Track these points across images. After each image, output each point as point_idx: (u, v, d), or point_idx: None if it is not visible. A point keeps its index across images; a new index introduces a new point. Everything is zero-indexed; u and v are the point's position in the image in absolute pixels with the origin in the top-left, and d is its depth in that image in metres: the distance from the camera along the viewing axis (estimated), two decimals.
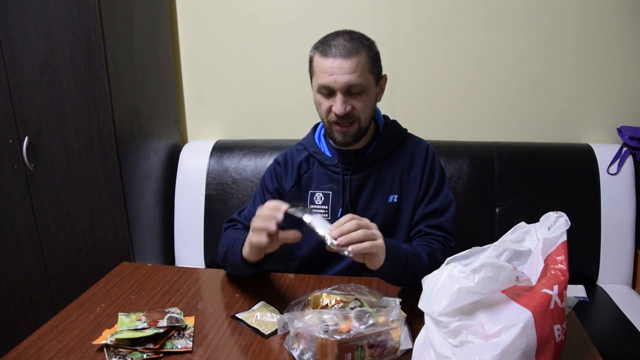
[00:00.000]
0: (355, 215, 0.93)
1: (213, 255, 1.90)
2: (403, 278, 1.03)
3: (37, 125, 1.65)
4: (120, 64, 1.66)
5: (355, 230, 0.91)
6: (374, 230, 0.94)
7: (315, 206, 1.25)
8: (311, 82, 1.17)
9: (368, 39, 1.13)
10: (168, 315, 1.02)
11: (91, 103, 1.61)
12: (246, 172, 1.88)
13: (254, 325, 1.00)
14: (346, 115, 1.12)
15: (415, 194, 1.21)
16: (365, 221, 0.94)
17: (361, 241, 0.90)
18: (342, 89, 1.09)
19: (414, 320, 0.98)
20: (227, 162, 1.91)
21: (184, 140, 2.15)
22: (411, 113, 1.94)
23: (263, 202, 1.28)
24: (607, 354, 0.94)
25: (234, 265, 1.14)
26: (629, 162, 1.75)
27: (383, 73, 1.19)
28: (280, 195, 1.28)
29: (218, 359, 0.91)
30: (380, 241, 0.94)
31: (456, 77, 1.91)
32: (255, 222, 0.99)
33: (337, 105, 1.10)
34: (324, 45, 1.10)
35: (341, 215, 1.21)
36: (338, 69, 1.08)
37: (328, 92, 1.12)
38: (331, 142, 1.22)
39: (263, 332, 0.98)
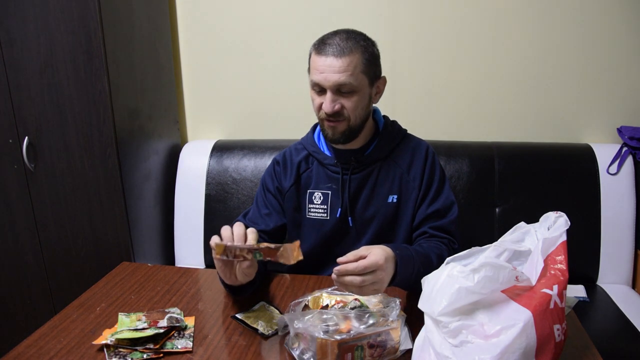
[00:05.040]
0: (357, 265, 0.89)
1: None
2: (417, 282, 1.03)
3: (37, 125, 1.65)
4: (120, 64, 1.66)
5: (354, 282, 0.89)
6: (377, 276, 0.90)
7: (314, 205, 1.25)
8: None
9: (367, 40, 1.13)
10: (168, 315, 1.02)
11: (91, 103, 1.61)
12: (246, 172, 1.88)
13: (254, 326, 1.00)
14: (335, 114, 1.12)
15: (416, 194, 1.21)
16: (372, 278, 0.89)
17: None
18: (332, 88, 1.10)
19: (414, 320, 0.98)
20: (227, 162, 1.91)
21: (184, 140, 2.15)
22: (411, 113, 1.95)
23: (266, 202, 1.29)
24: (607, 354, 0.94)
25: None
26: (629, 162, 1.75)
27: (382, 75, 1.18)
28: (280, 193, 1.29)
29: (218, 359, 0.91)
30: (380, 289, 0.93)
31: (456, 77, 1.91)
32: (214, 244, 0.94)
33: (326, 103, 1.11)
34: (320, 43, 1.11)
35: (340, 215, 1.22)
36: (329, 67, 1.08)
37: (319, 89, 1.12)
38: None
39: (263, 332, 0.98)
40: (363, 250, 0.92)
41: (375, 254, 0.91)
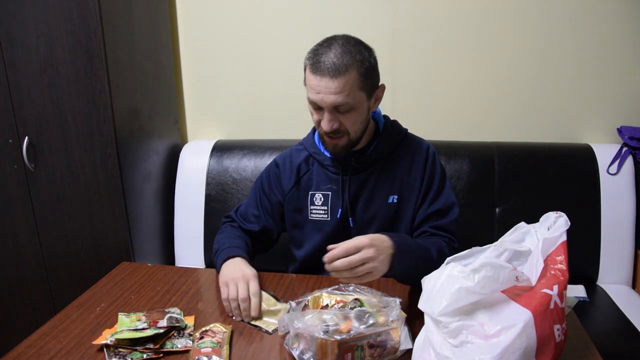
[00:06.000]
0: (346, 249, 0.93)
1: None
2: (417, 271, 1.03)
3: (37, 125, 1.65)
4: (120, 64, 1.66)
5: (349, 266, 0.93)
6: (367, 262, 0.94)
7: (315, 207, 1.25)
8: None
9: (362, 52, 1.08)
10: (168, 315, 1.02)
11: (91, 103, 1.61)
12: (246, 172, 1.88)
13: (256, 324, 1.00)
14: (334, 131, 1.12)
15: (416, 194, 1.21)
16: (359, 256, 0.93)
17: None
18: (329, 108, 1.08)
19: (414, 320, 0.98)
20: (227, 162, 1.91)
21: (184, 140, 2.15)
22: (411, 113, 1.94)
23: (259, 203, 1.30)
24: (607, 354, 0.94)
25: (217, 269, 1.18)
26: (629, 162, 1.75)
27: (380, 83, 1.16)
28: (279, 204, 1.29)
29: None
30: (375, 268, 0.95)
31: (456, 77, 1.91)
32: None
33: (324, 122, 1.10)
34: (314, 60, 1.07)
35: (340, 216, 1.22)
36: (325, 89, 1.06)
37: (317, 106, 1.11)
38: None
39: (266, 329, 0.98)
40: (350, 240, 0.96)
41: (359, 237, 0.95)
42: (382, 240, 0.98)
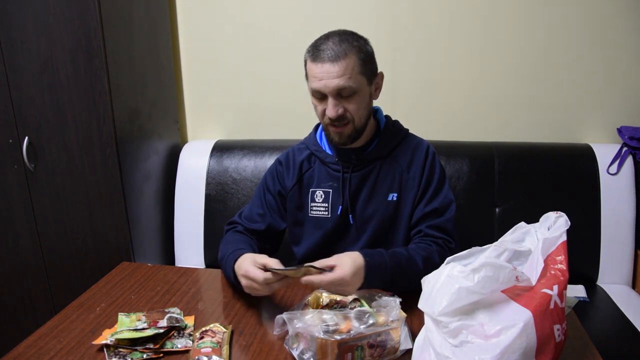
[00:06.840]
0: (322, 279, 0.96)
1: (213, 255, 1.91)
2: (393, 286, 1.04)
3: (37, 125, 1.65)
4: (120, 64, 1.66)
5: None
6: (339, 287, 0.98)
7: (315, 204, 1.25)
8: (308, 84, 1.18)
9: (359, 39, 1.13)
10: (168, 315, 1.02)
11: (91, 103, 1.61)
12: (246, 172, 1.88)
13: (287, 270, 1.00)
14: (339, 118, 1.13)
15: (415, 192, 1.21)
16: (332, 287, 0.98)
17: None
18: (332, 93, 1.10)
19: (414, 320, 0.98)
20: (227, 162, 1.91)
21: (184, 140, 2.15)
22: (411, 113, 1.94)
23: (264, 201, 1.31)
24: (607, 354, 0.94)
25: (227, 279, 1.17)
26: (629, 162, 1.75)
27: (379, 70, 1.19)
28: (281, 196, 1.29)
29: None
30: (345, 291, 0.99)
31: (456, 77, 1.91)
32: (249, 291, 1.03)
33: (329, 108, 1.12)
34: (314, 50, 1.11)
35: (341, 213, 1.23)
36: (327, 74, 1.08)
37: (320, 96, 1.13)
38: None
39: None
40: (334, 259, 0.99)
41: (343, 268, 0.97)
42: (359, 268, 1.00)
